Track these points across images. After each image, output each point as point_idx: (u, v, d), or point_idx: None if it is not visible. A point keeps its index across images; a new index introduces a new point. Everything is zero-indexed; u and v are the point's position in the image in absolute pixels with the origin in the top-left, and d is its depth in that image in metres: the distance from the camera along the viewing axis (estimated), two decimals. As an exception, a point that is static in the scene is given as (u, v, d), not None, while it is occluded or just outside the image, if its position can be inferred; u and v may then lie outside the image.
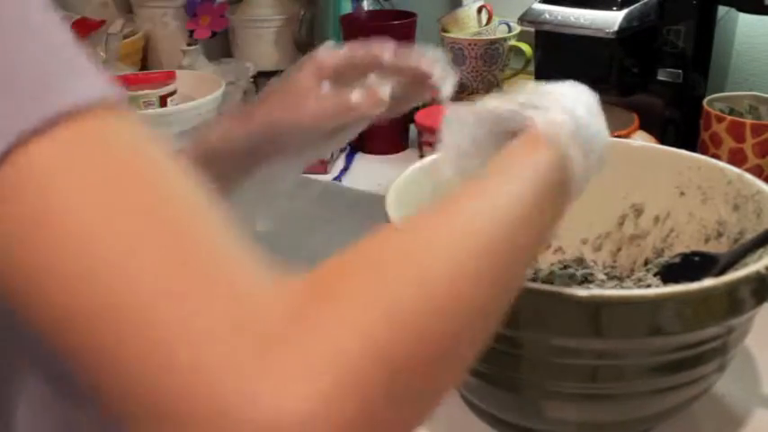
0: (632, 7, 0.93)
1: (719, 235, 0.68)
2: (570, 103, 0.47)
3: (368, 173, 1.11)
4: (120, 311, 0.28)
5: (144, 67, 1.48)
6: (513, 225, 0.39)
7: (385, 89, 0.57)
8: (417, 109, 1.04)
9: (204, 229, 0.32)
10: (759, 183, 0.65)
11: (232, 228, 0.34)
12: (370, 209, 0.74)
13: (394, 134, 1.17)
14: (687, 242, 0.71)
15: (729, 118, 0.92)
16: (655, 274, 0.70)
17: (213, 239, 0.32)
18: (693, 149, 0.85)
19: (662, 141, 0.93)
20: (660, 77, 0.99)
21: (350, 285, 0.32)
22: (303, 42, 1.40)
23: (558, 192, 0.44)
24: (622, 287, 0.72)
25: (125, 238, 0.29)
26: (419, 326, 0.32)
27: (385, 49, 0.58)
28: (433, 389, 0.36)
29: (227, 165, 0.60)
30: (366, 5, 1.31)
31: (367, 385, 0.29)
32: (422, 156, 1.04)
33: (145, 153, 0.32)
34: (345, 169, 1.13)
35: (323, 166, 1.11)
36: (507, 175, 0.42)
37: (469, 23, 1.23)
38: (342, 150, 1.17)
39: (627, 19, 0.91)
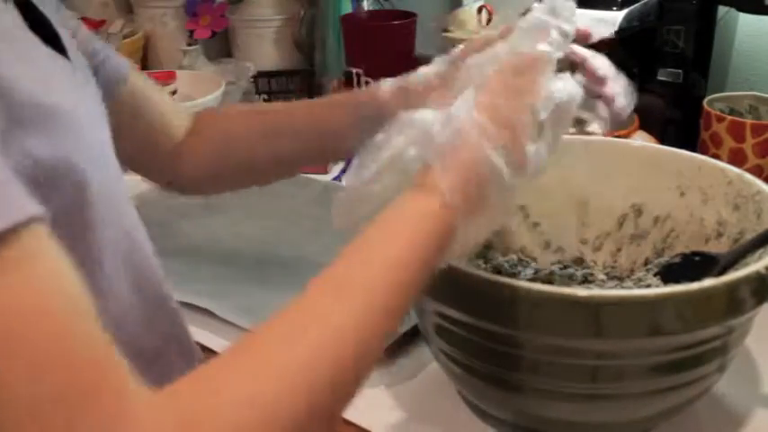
0: (632, 7, 0.93)
1: (719, 235, 0.68)
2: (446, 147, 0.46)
3: (368, 173, 1.11)
4: None
5: (144, 67, 1.48)
6: (387, 288, 0.42)
7: None
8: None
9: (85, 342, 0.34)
10: (759, 183, 0.65)
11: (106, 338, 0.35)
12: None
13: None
14: (687, 242, 0.71)
15: (729, 118, 0.92)
16: (655, 274, 0.70)
17: (95, 352, 0.34)
18: (693, 149, 0.85)
19: (662, 141, 0.93)
20: (660, 77, 0.99)
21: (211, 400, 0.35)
22: (303, 42, 1.40)
23: (442, 237, 0.46)
24: (622, 287, 0.72)
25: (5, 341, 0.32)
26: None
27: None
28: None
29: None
30: (366, 5, 1.31)
31: None
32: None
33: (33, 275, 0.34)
34: (345, 169, 1.13)
35: (323, 166, 1.11)
36: (387, 235, 0.44)
37: (469, 23, 1.23)
38: (342, 150, 1.17)
39: (627, 19, 0.92)
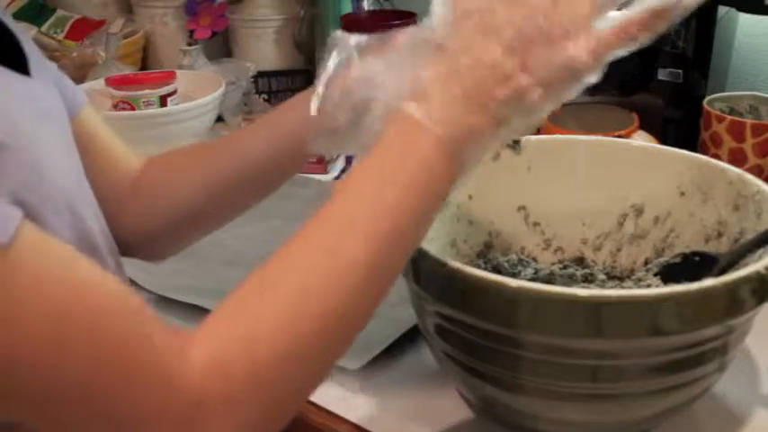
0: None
1: (720, 235, 0.68)
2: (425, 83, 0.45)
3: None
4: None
5: (144, 67, 1.48)
6: (389, 236, 0.43)
7: None
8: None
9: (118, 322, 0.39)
10: (759, 183, 0.65)
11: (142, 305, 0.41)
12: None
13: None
14: (687, 242, 0.71)
15: (729, 118, 0.92)
16: (655, 274, 0.70)
17: (126, 327, 0.39)
18: (693, 149, 0.85)
19: (662, 141, 0.93)
20: (660, 77, 0.99)
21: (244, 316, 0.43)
22: (303, 42, 1.40)
23: (443, 172, 0.45)
24: (622, 287, 0.72)
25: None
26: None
27: None
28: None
29: None
30: (366, 5, 1.31)
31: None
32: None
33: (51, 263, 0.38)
34: (345, 169, 1.13)
35: (323, 167, 1.11)
36: (386, 177, 0.44)
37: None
38: (342, 150, 1.17)
39: (627, 19, 0.91)
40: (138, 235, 0.67)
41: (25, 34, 0.56)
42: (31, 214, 0.44)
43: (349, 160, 1.15)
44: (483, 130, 0.45)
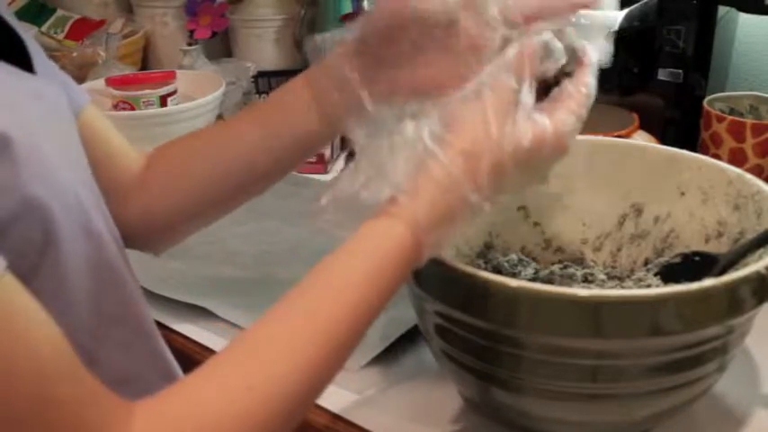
0: (632, 7, 0.92)
1: (720, 235, 0.68)
2: (449, 197, 0.48)
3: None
4: None
5: (144, 67, 1.48)
6: (352, 308, 0.46)
7: None
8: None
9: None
10: (759, 183, 0.65)
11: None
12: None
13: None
14: (687, 242, 0.71)
15: (729, 118, 0.92)
16: (655, 274, 0.70)
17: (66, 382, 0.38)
18: (693, 149, 0.85)
19: (662, 141, 0.93)
20: (660, 77, 0.99)
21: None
22: (303, 42, 1.40)
23: (410, 268, 0.49)
24: (622, 287, 0.72)
25: None
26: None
27: None
28: None
29: None
30: (366, 5, 1.31)
31: None
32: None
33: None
34: (344, 169, 1.12)
35: (323, 166, 1.11)
36: (364, 257, 0.47)
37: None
38: (342, 150, 1.17)
39: (627, 19, 0.91)
40: (143, 227, 0.68)
41: (27, 33, 0.57)
42: (40, 209, 0.45)
43: (349, 160, 1.15)
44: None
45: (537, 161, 0.51)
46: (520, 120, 0.49)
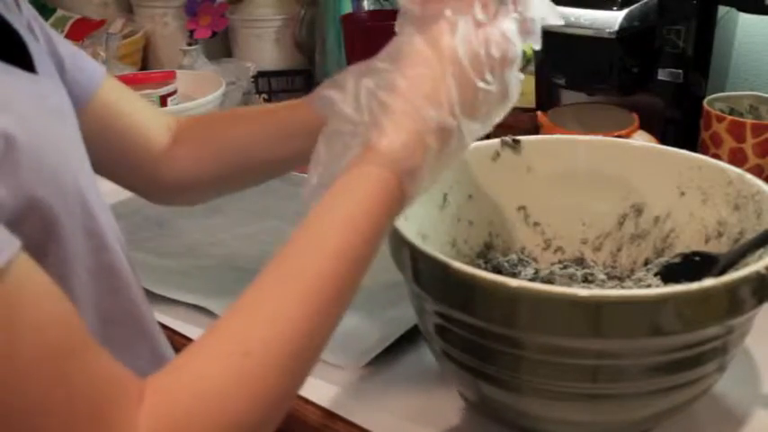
0: (632, 7, 0.92)
1: (720, 235, 0.68)
2: (413, 121, 0.48)
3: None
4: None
5: (144, 67, 1.48)
6: (342, 257, 0.45)
7: None
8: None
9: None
10: (759, 183, 0.65)
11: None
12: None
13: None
14: (687, 242, 0.71)
15: (730, 118, 0.92)
16: (655, 274, 0.70)
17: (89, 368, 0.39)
18: (693, 149, 0.85)
19: (662, 141, 0.93)
20: (660, 77, 0.99)
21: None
22: (303, 42, 1.40)
23: (393, 206, 0.48)
24: (622, 287, 0.72)
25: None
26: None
27: None
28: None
29: None
30: (366, 5, 1.31)
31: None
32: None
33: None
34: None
35: (323, 166, 1.11)
36: (342, 206, 0.46)
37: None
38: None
39: (627, 19, 0.91)
40: (182, 182, 0.73)
41: (39, 20, 0.59)
42: (44, 211, 0.45)
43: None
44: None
45: (494, 69, 0.50)
46: (469, 31, 0.49)
